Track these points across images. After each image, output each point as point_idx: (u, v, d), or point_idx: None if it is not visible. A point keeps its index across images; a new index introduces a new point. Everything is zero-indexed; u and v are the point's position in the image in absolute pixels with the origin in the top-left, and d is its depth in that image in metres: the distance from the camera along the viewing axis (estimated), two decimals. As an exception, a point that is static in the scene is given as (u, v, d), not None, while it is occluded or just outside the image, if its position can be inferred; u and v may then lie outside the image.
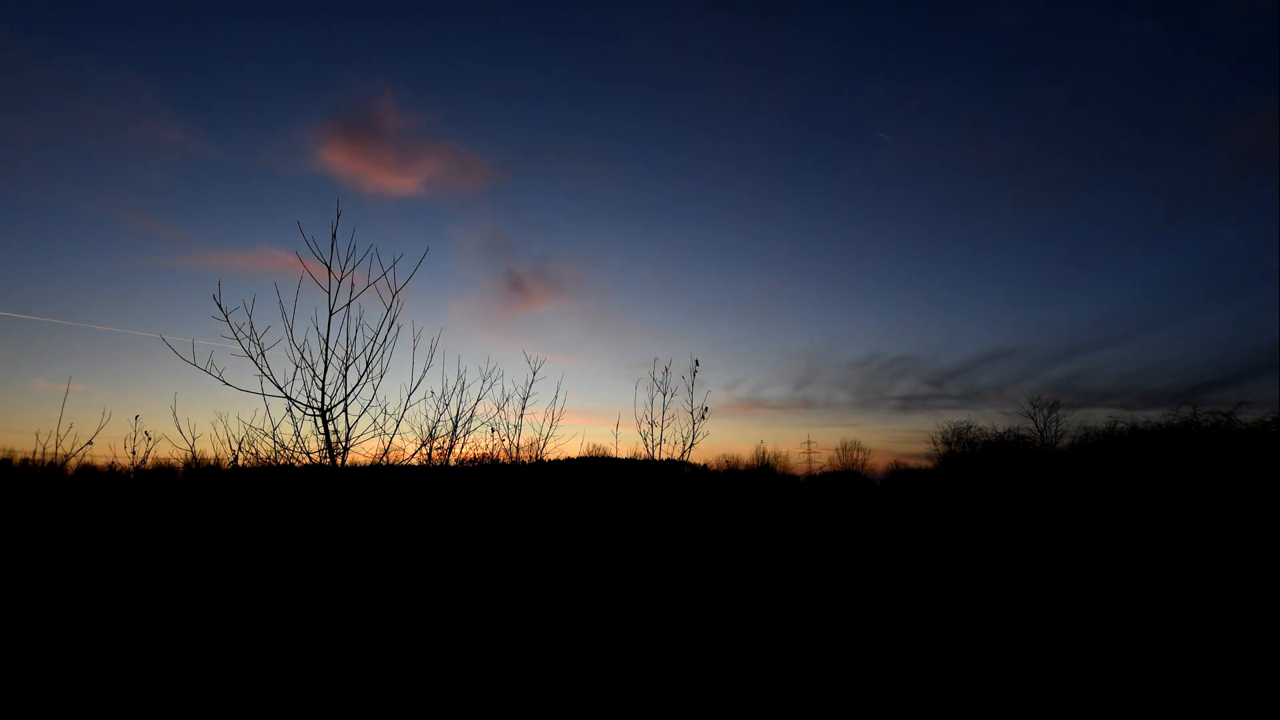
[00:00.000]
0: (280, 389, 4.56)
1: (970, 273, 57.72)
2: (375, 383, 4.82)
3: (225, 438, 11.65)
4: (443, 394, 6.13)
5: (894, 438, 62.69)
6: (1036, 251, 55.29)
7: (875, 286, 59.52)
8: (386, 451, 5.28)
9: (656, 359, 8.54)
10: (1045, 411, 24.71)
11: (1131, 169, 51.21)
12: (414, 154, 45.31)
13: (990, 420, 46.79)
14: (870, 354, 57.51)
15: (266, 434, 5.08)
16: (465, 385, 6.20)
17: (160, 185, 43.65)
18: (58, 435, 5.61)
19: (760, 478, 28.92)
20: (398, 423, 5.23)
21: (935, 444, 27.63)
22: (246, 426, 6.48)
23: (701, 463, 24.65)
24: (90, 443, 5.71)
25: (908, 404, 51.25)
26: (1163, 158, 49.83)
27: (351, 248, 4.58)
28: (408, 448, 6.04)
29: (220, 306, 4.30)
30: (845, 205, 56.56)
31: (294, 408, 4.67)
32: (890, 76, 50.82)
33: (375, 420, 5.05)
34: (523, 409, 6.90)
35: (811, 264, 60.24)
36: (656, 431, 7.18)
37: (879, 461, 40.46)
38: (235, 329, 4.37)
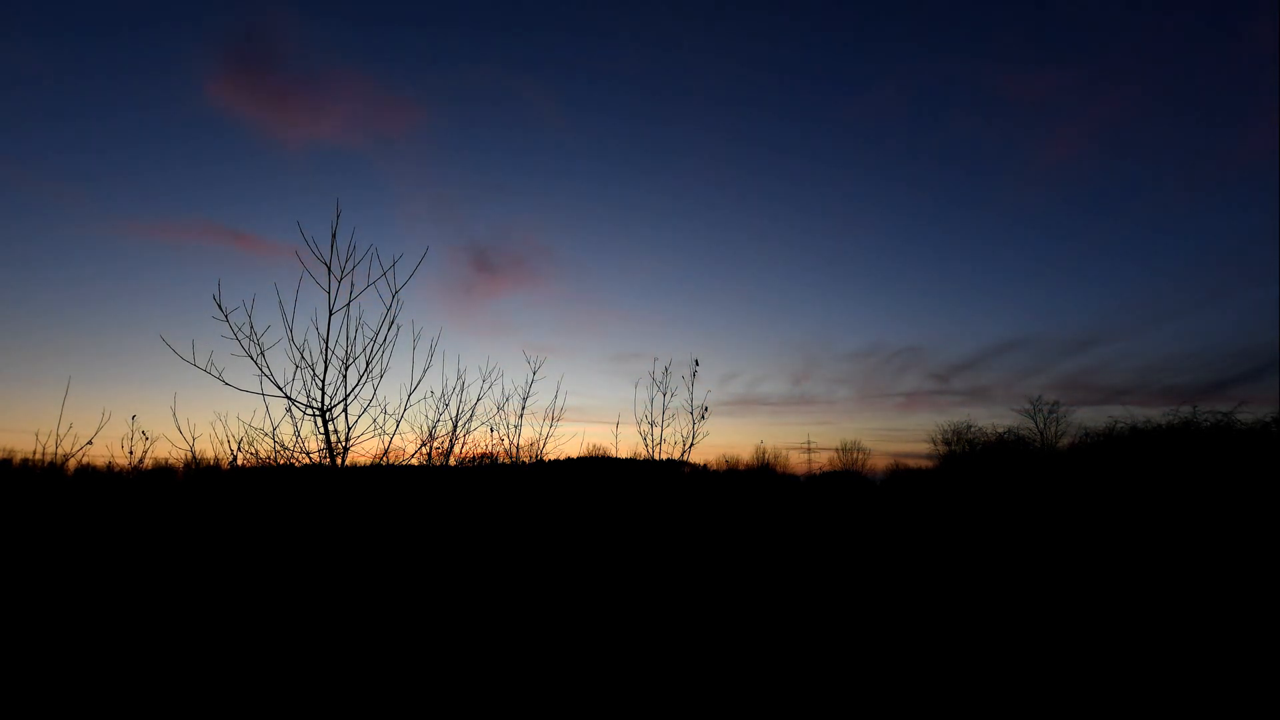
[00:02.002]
0: (280, 389, 4.56)
1: (980, 257, 53.16)
2: (375, 383, 4.82)
3: (225, 438, 11.64)
4: (443, 394, 6.14)
5: (898, 436, 59.47)
6: (1050, 233, 50.74)
7: (878, 270, 54.35)
8: (386, 451, 5.28)
9: (656, 359, 8.57)
10: (1045, 411, 24.83)
11: (1151, 144, 46.02)
12: (325, 89, 36.81)
13: (999, 418, 45.30)
14: (873, 344, 53.97)
15: (266, 434, 5.07)
16: (465, 385, 6.21)
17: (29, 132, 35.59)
18: (57, 435, 5.60)
19: (760, 478, 28.93)
20: (398, 423, 5.23)
21: (935, 444, 27.68)
22: (246, 426, 6.46)
23: (701, 463, 24.71)
24: (90, 443, 5.70)
25: (912, 400, 48.73)
26: (1189, 132, 44.68)
27: (351, 247, 4.58)
28: (408, 448, 6.06)
29: (220, 306, 4.30)
30: (846, 180, 51.18)
31: (294, 408, 4.67)
32: (892, 36, 46.26)
33: (375, 420, 5.05)
34: (523, 409, 6.91)
35: (809, 243, 54.14)
36: (656, 431, 7.20)
37: (881, 461, 39.33)
38: (235, 329, 4.37)
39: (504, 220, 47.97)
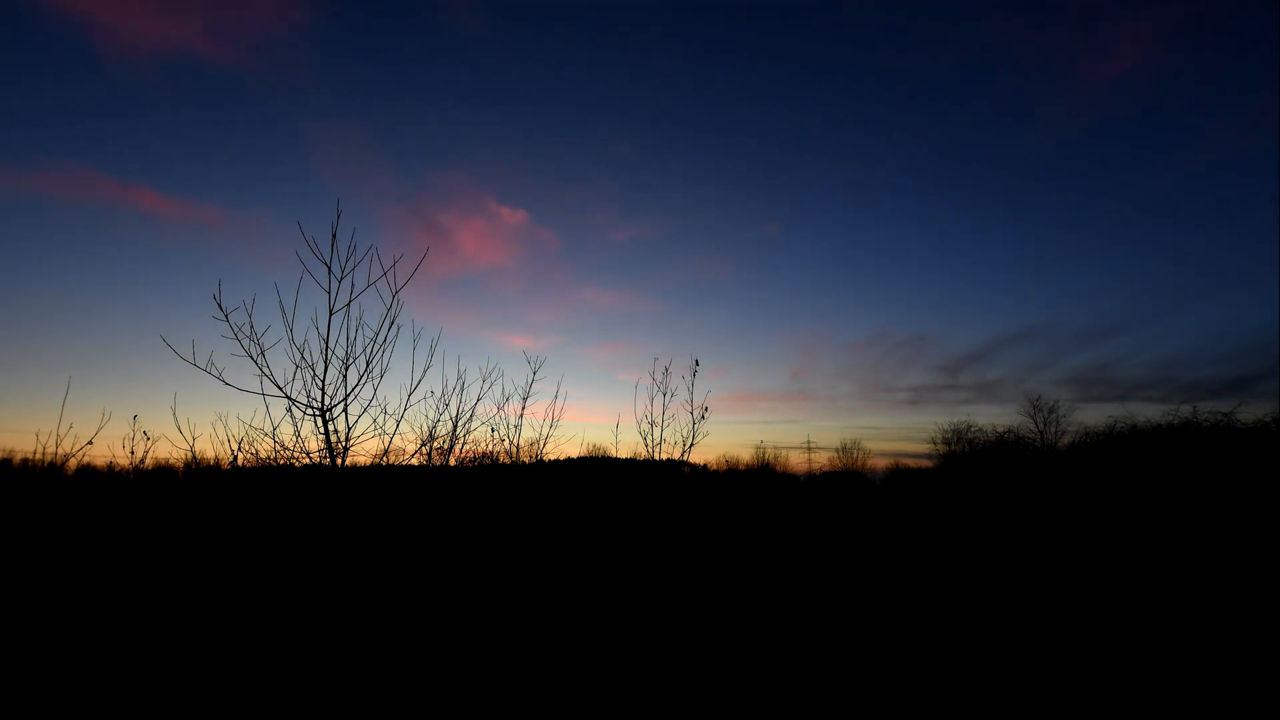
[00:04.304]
0: (280, 389, 4.56)
1: (991, 236, 47.40)
2: (375, 383, 4.82)
3: (225, 438, 11.69)
4: (443, 394, 6.15)
5: (903, 434, 54.80)
6: (1066, 211, 45.85)
7: (882, 252, 48.50)
8: (386, 451, 5.28)
9: (656, 359, 8.56)
10: (1046, 411, 25.03)
11: (1179, 112, 39.20)
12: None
13: (1009, 417, 42.12)
14: (876, 333, 49.90)
15: (266, 434, 5.09)
16: (465, 385, 6.22)
17: None
18: (58, 435, 5.61)
19: (760, 478, 28.90)
20: (398, 423, 5.24)
21: (935, 444, 27.74)
22: (246, 426, 6.49)
23: (701, 463, 24.66)
24: (90, 443, 5.71)
25: (918, 396, 46.01)
26: (1219, 97, 37.51)
27: (352, 247, 4.58)
28: (408, 448, 6.06)
29: (220, 306, 4.30)
30: (846, 153, 44.30)
31: (294, 408, 4.67)
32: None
33: (375, 420, 5.06)
34: (523, 408, 6.92)
35: (807, 219, 46.55)
36: (656, 431, 7.19)
37: (884, 461, 37.80)
38: (235, 329, 4.37)
39: (442, 170, 35.51)
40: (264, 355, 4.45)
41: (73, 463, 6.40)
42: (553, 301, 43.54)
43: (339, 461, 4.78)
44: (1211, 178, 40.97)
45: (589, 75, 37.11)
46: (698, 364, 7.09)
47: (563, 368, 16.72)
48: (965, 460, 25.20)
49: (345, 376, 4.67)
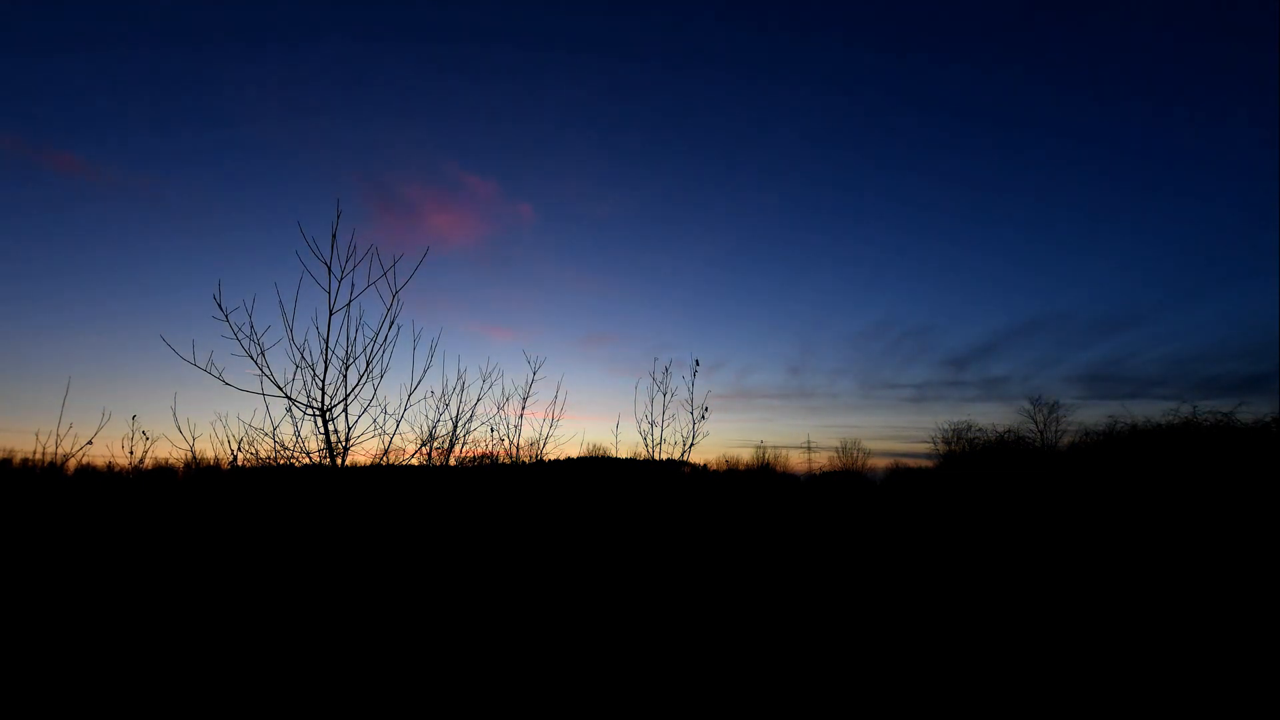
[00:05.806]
0: (280, 389, 4.56)
1: (998, 224, 43.52)
2: (375, 383, 4.83)
3: (225, 438, 11.66)
4: (443, 394, 6.15)
5: (904, 434, 51.35)
6: (1080, 192, 41.97)
7: (884, 236, 44.72)
8: (386, 451, 5.28)
9: (656, 359, 8.57)
10: (1046, 411, 25.15)
11: (1196, 95, 35.84)
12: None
13: (1012, 415, 40.08)
14: (878, 323, 46.33)
15: (266, 434, 5.08)
16: (465, 385, 6.22)
17: None
18: (57, 435, 5.61)
19: (760, 478, 28.89)
20: (398, 423, 5.24)
21: (936, 444, 27.79)
22: (246, 426, 6.47)
23: (702, 463, 24.65)
24: (90, 443, 5.71)
25: (921, 393, 43.25)
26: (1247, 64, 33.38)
27: (352, 248, 4.58)
28: (408, 448, 6.06)
29: (220, 306, 4.30)
30: (847, 132, 40.75)
31: (294, 408, 4.67)
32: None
33: (375, 420, 5.06)
34: (523, 408, 6.92)
35: (809, 199, 42.79)
36: (656, 431, 7.19)
37: (884, 461, 36.33)
38: (235, 329, 4.37)
39: (397, 129, 29.99)
40: (264, 355, 4.46)
41: (72, 463, 6.41)
42: (534, 287, 39.45)
43: (339, 461, 4.78)
44: (1229, 164, 38.22)
45: (552, 11, 32.29)
46: (698, 364, 7.11)
47: (558, 367, 16.59)
48: (966, 460, 25.23)
49: (345, 376, 4.67)
